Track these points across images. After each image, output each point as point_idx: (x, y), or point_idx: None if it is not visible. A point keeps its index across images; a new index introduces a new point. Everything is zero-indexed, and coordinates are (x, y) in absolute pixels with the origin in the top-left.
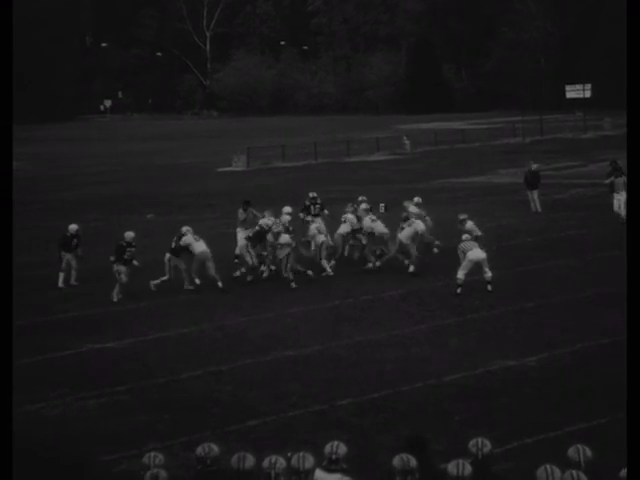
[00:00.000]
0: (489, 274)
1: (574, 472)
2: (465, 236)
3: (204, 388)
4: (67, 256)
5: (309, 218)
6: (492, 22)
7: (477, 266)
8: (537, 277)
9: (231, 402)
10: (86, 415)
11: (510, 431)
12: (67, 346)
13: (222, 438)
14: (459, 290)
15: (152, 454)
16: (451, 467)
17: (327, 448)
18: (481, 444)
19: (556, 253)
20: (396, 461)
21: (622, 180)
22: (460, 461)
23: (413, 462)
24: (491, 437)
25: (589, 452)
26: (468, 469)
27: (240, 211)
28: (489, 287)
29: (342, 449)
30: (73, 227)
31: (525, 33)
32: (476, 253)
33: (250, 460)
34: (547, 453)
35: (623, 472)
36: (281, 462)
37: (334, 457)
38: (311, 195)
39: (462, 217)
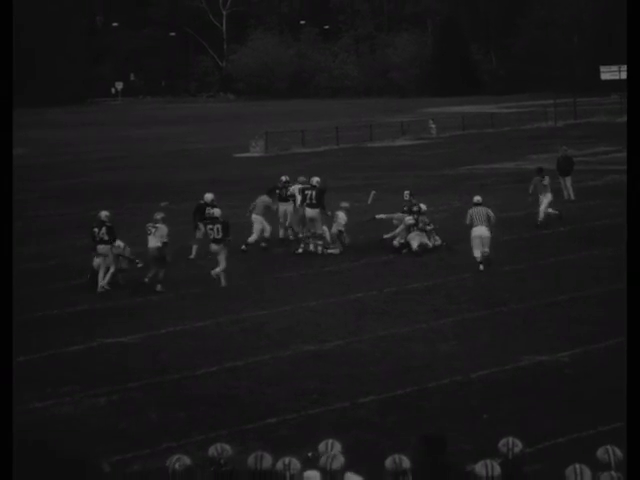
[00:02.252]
0: (487, 251)
1: (614, 474)
2: (476, 198)
3: (220, 385)
4: (203, 227)
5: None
6: None
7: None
8: (570, 268)
9: (248, 399)
10: (97, 413)
11: (541, 430)
12: (77, 341)
13: (239, 437)
14: (482, 267)
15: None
16: (479, 468)
17: (321, 447)
18: (512, 444)
19: (591, 243)
20: (388, 463)
21: (546, 181)
22: (489, 461)
23: (406, 463)
24: (521, 436)
25: (619, 452)
26: (497, 470)
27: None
28: (481, 267)
29: (337, 447)
30: (209, 196)
31: (557, 11)
32: (480, 231)
33: (268, 460)
34: (580, 453)
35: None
36: (295, 463)
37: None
38: (284, 179)
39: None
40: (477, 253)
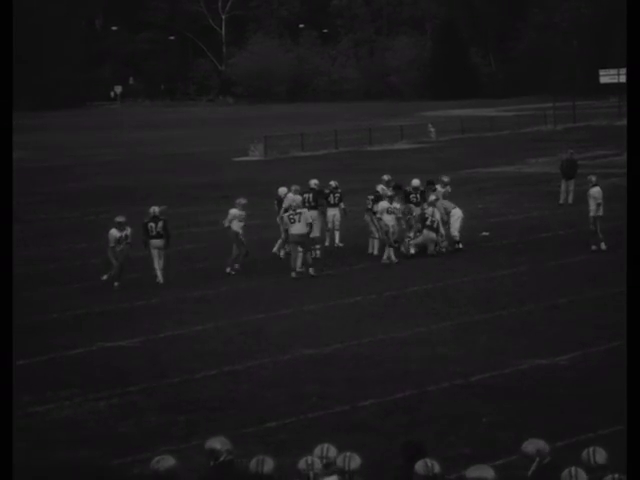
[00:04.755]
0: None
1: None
2: (438, 191)
3: (220, 388)
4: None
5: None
6: (522, 3)
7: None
8: (569, 272)
9: (248, 403)
10: (97, 417)
11: (540, 434)
12: (76, 345)
13: (239, 441)
14: (461, 245)
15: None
16: (564, 475)
17: (317, 451)
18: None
19: (589, 247)
20: (419, 467)
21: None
22: (573, 468)
23: (437, 467)
24: (520, 440)
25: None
26: (583, 476)
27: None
28: (460, 245)
29: (332, 452)
30: (283, 190)
31: (557, 14)
32: (459, 212)
33: (269, 464)
34: (579, 457)
35: None
36: (318, 463)
37: (324, 461)
38: (333, 184)
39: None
40: (458, 234)
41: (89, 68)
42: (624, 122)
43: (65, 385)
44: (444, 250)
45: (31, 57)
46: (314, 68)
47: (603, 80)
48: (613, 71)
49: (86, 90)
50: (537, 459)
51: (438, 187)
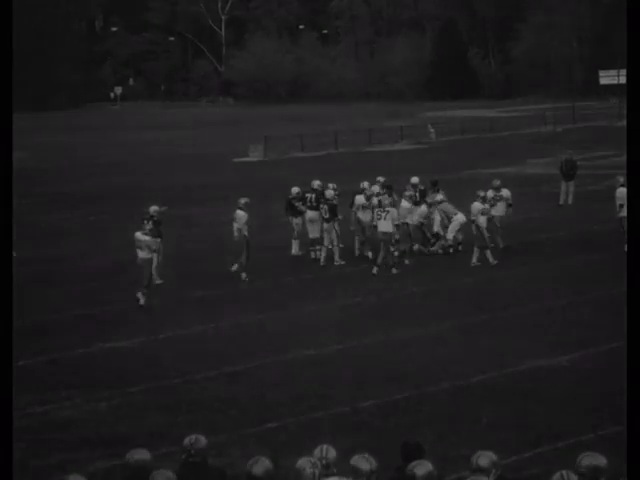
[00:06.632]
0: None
1: (564, 472)
2: (440, 196)
3: (220, 389)
4: (295, 220)
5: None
6: (521, 4)
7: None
8: (569, 273)
9: (248, 404)
10: (97, 417)
11: (540, 434)
12: (77, 345)
13: (239, 441)
14: (460, 247)
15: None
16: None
17: (316, 452)
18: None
19: (589, 248)
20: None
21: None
22: (565, 472)
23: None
24: (520, 440)
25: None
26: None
27: None
28: (459, 247)
29: (332, 453)
30: (295, 189)
31: (556, 15)
32: (462, 217)
33: (266, 465)
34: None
35: None
36: (318, 464)
37: (324, 462)
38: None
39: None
40: (457, 235)
41: (89, 69)
42: (624, 123)
43: (65, 386)
44: (441, 251)
45: (31, 57)
46: (314, 69)
47: (603, 81)
48: (613, 72)
49: (86, 91)
50: (493, 471)
51: (488, 192)
